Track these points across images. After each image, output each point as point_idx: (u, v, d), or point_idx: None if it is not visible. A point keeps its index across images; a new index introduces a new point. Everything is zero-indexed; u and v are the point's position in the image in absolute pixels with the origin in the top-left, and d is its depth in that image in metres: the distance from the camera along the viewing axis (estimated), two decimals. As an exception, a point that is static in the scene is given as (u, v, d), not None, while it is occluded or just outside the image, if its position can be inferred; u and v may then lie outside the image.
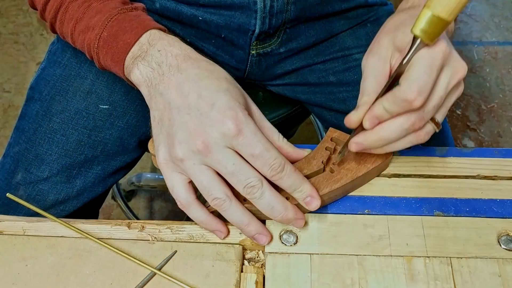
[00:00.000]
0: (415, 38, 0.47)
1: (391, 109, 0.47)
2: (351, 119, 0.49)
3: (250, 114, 0.50)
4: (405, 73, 0.47)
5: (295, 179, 0.49)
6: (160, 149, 0.50)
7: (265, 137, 0.48)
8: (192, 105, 0.48)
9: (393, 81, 0.48)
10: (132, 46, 0.53)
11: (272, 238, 0.52)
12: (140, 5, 0.58)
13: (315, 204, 0.50)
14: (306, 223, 0.53)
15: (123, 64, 0.54)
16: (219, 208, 0.49)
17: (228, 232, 0.52)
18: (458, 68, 0.49)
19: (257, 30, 0.70)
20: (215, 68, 0.51)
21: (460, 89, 0.51)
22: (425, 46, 0.47)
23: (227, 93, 0.49)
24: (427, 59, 0.47)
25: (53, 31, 0.63)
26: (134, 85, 0.55)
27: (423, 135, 0.50)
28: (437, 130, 0.50)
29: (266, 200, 0.48)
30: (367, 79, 0.50)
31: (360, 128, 0.49)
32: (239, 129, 0.47)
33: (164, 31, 0.55)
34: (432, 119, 0.49)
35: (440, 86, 0.48)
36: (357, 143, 0.49)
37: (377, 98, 0.48)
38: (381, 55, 0.51)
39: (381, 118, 0.48)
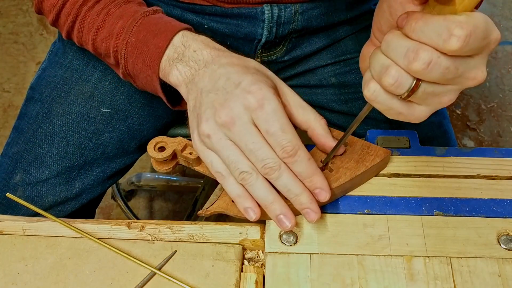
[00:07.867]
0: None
1: (417, 34, 0.36)
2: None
3: (280, 95, 0.52)
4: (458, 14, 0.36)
5: (306, 167, 0.48)
6: (193, 132, 0.52)
7: (286, 118, 0.48)
8: (220, 87, 0.50)
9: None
10: (166, 49, 0.54)
11: (295, 225, 0.49)
12: (159, 8, 0.59)
13: (323, 196, 0.49)
14: (305, 223, 0.52)
15: (158, 67, 0.55)
16: (246, 182, 0.49)
17: (259, 214, 0.50)
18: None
19: (263, 39, 0.70)
20: (246, 59, 0.54)
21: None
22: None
23: (254, 75, 0.50)
24: (484, 23, 0.36)
25: (69, 38, 0.63)
26: (156, 91, 0.56)
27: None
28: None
29: (283, 182, 0.48)
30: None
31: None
32: (260, 104, 0.48)
33: (191, 29, 0.56)
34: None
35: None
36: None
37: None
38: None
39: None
